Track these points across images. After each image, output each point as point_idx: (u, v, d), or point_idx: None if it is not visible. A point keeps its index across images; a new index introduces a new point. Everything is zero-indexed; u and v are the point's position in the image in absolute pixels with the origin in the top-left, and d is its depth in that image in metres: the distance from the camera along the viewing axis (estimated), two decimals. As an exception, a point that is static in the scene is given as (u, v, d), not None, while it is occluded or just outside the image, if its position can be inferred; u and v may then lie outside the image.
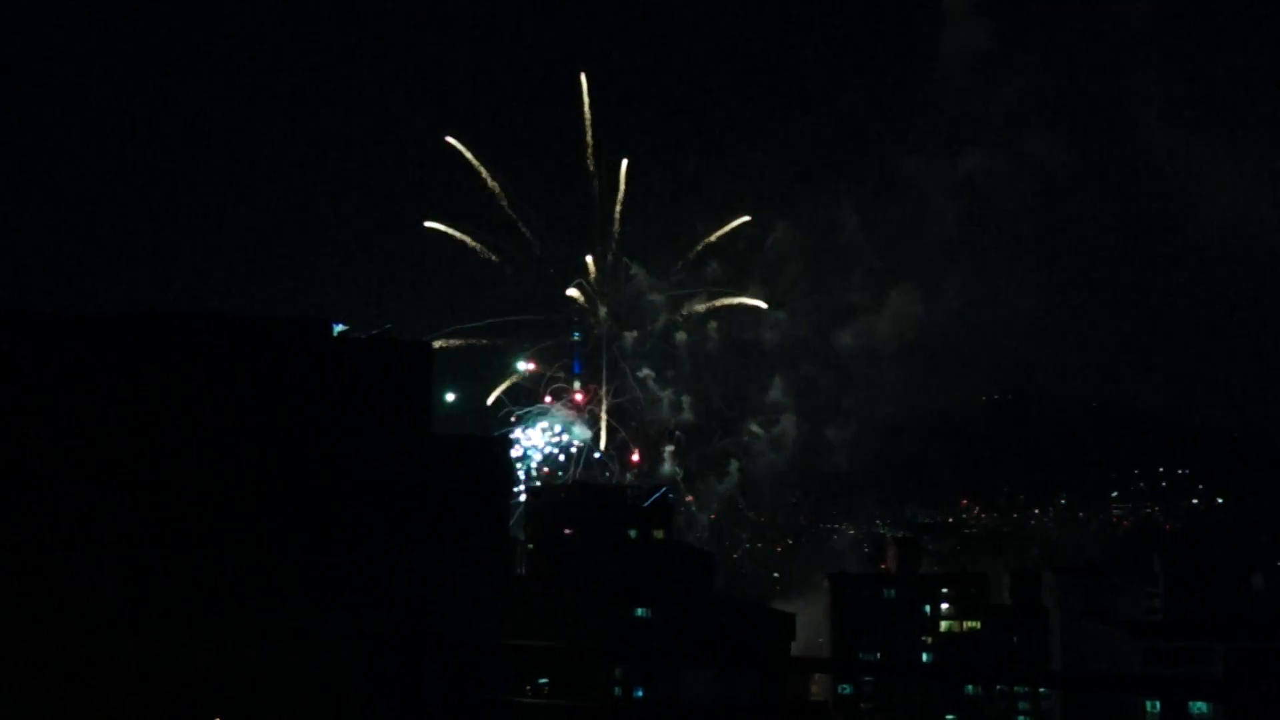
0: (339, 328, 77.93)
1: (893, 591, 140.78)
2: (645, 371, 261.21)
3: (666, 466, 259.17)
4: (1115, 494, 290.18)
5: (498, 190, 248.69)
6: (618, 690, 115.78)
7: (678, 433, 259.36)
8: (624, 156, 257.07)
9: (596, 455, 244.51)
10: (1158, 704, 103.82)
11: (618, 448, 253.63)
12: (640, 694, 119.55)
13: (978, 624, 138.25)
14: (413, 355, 76.78)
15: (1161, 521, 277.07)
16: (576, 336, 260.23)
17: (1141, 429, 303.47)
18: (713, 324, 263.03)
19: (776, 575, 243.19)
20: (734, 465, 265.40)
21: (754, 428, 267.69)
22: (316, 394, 67.22)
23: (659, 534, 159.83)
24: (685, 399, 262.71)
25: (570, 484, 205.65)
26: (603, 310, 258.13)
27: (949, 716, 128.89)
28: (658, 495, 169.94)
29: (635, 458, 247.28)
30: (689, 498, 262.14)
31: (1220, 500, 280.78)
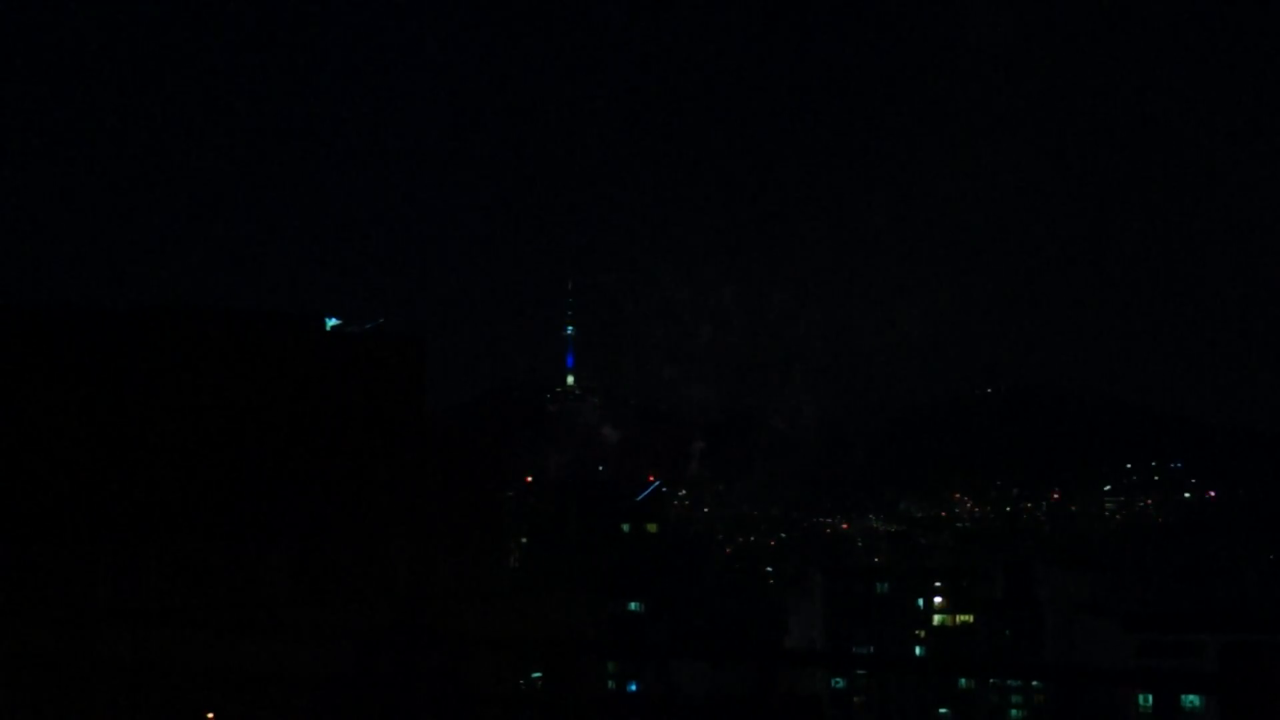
0: (332, 322, 77.83)
1: (886, 585, 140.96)
2: (670, 372, 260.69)
3: (694, 466, 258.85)
4: (1108, 487, 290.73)
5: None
6: (611, 684, 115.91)
7: (701, 443, 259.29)
8: (653, 155, 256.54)
9: (600, 468, 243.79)
10: (1150, 697, 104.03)
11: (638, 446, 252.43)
12: (634, 687, 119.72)
13: (971, 617, 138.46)
14: (406, 349, 76.72)
15: (1154, 515, 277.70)
16: (570, 331, 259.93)
17: (1134, 423, 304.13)
18: (737, 317, 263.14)
19: (770, 569, 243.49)
20: (758, 464, 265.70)
21: (775, 424, 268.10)
22: (309, 388, 67.15)
23: (652, 528, 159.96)
24: (711, 395, 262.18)
25: (564, 479, 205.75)
26: (628, 309, 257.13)
27: (942, 710, 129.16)
28: (650, 490, 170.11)
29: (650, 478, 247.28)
30: (681, 491, 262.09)
31: (1213, 494, 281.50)
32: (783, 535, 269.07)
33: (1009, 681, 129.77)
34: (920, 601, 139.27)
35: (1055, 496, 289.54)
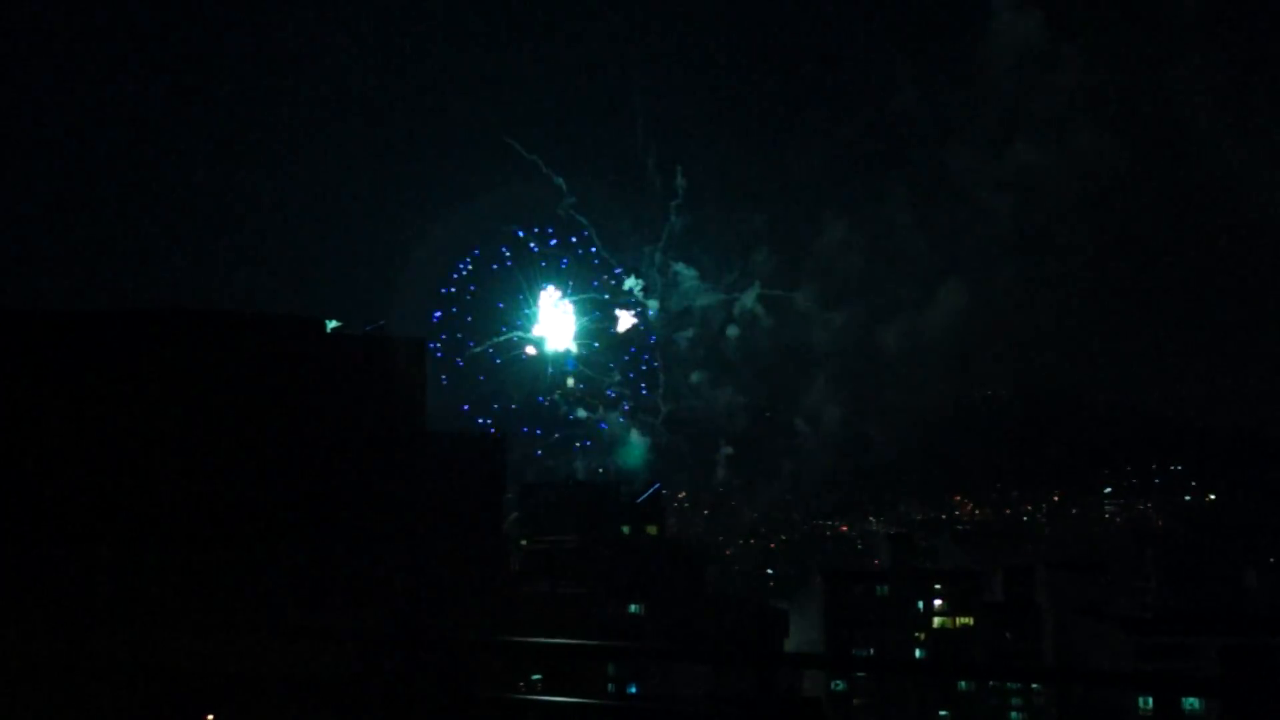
0: (333, 325, 77.95)
1: (886, 588, 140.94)
2: (696, 377, 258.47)
3: (720, 472, 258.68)
4: (1108, 490, 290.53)
5: None
6: (611, 686, 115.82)
7: (730, 449, 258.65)
8: (675, 158, 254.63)
9: (599, 470, 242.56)
10: (1150, 700, 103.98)
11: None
12: (634, 690, 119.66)
13: (971, 620, 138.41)
14: (407, 352, 76.74)
15: (1154, 518, 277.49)
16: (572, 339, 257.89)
17: (1134, 425, 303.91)
18: (762, 317, 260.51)
19: (770, 571, 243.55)
20: (785, 468, 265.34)
21: (800, 426, 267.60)
22: (310, 391, 67.18)
23: (652, 530, 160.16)
24: (739, 400, 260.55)
25: (564, 481, 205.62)
26: (652, 306, 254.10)
27: (942, 712, 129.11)
28: (650, 492, 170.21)
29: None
30: (681, 493, 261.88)
31: (1213, 496, 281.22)
32: (783, 537, 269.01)
33: (1009, 684, 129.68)
34: (920, 604, 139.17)
35: (1055, 499, 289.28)
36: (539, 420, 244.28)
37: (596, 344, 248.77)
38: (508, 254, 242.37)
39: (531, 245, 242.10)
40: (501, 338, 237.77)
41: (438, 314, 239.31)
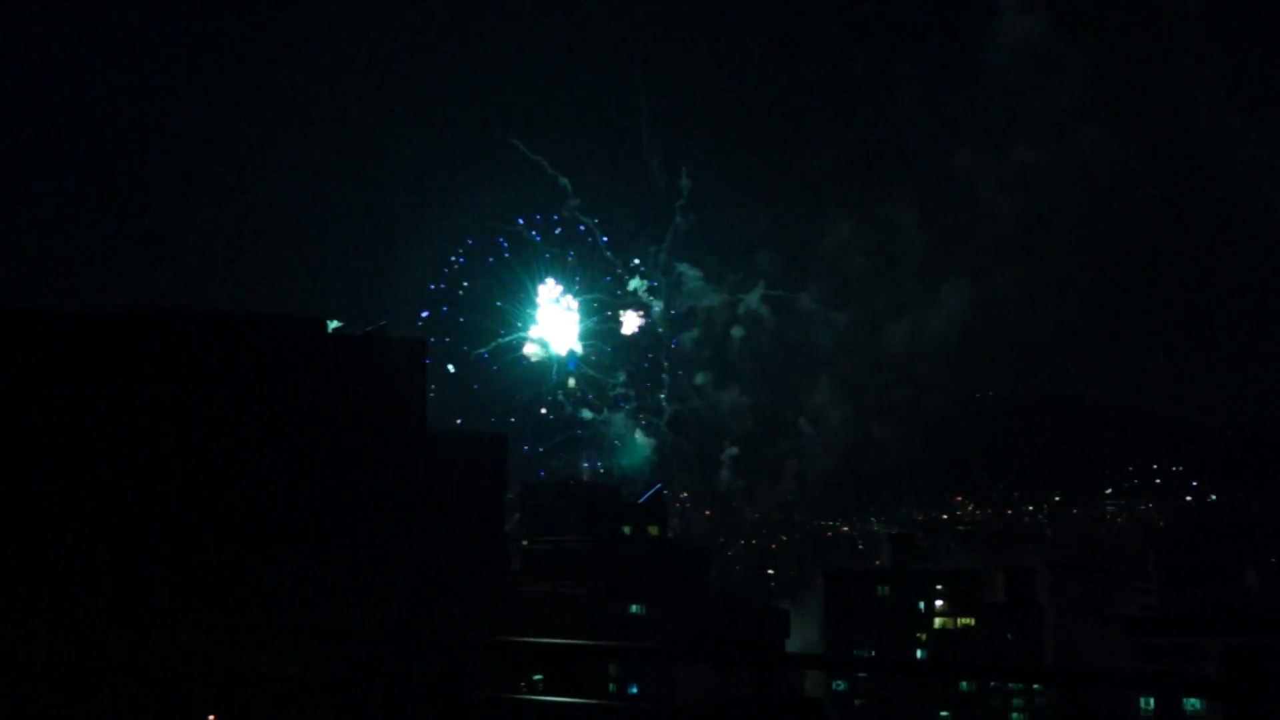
0: (334, 325, 77.99)
1: (887, 588, 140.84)
2: (700, 379, 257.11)
3: (725, 473, 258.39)
4: (1109, 491, 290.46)
5: None
6: (612, 687, 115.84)
7: (735, 450, 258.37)
8: (680, 158, 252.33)
9: (602, 471, 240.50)
10: (1152, 701, 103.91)
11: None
12: (635, 690, 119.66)
13: (972, 620, 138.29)
14: (407, 352, 76.74)
15: (1155, 518, 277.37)
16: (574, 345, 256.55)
17: (1135, 426, 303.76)
18: (766, 317, 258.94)
19: (771, 572, 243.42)
20: (790, 468, 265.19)
21: (803, 426, 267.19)
22: (311, 391, 67.18)
23: (654, 530, 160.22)
24: (744, 401, 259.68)
25: (565, 482, 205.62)
26: (657, 307, 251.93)
27: (943, 713, 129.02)
28: (652, 492, 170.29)
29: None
30: (683, 493, 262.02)
31: (1214, 497, 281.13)
32: (784, 538, 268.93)
33: (1010, 685, 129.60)
34: (921, 604, 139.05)
35: (1056, 499, 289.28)
36: (541, 433, 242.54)
37: (609, 348, 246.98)
38: (505, 246, 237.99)
39: (534, 234, 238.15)
40: (505, 339, 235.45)
41: (425, 313, 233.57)
